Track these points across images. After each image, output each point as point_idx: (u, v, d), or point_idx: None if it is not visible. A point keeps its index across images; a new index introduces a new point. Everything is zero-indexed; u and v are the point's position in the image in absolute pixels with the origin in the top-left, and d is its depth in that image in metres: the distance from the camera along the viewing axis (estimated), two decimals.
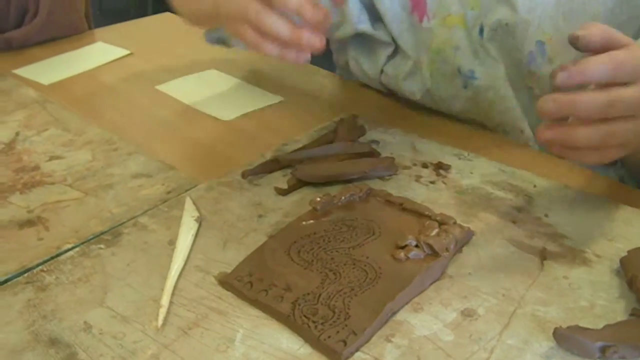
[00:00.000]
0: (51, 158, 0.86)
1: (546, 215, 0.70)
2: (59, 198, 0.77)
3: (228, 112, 0.97)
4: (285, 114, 0.97)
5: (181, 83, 1.09)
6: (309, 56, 0.70)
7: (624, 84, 0.60)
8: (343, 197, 0.71)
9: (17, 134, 0.92)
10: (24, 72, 1.15)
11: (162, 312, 0.58)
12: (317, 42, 0.67)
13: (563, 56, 0.81)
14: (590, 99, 0.60)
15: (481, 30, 0.86)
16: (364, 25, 0.94)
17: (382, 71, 0.97)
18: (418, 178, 0.78)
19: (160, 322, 0.58)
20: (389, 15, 0.92)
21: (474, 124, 0.94)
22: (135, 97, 1.04)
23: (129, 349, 0.55)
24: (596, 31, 0.62)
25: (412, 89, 0.94)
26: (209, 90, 1.06)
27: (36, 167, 0.83)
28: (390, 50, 0.95)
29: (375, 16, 0.94)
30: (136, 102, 1.03)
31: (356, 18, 0.93)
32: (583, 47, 0.62)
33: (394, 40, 0.94)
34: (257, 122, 0.95)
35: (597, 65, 0.60)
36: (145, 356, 0.55)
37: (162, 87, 1.07)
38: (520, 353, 0.54)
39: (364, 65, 0.99)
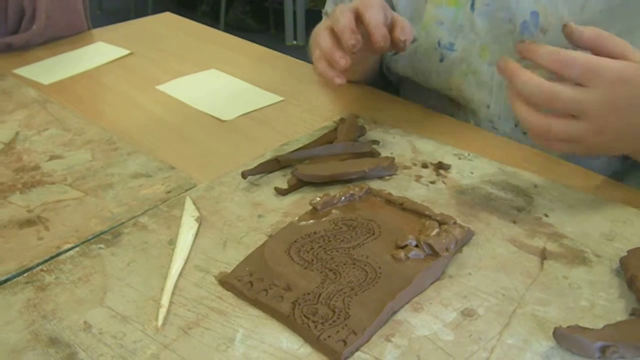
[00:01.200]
0: (51, 158, 0.85)
1: (546, 215, 0.70)
2: (59, 198, 0.77)
3: (228, 112, 0.97)
4: (285, 114, 0.96)
5: (181, 83, 1.09)
6: (343, 80, 0.81)
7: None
8: (343, 197, 0.71)
9: (17, 133, 0.92)
10: (24, 72, 1.15)
11: (162, 311, 0.58)
12: (342, 61, 0.79)
13: (556, 28, 0.81)
14: (529, 78, 0.64)
15: (472, 5, 0.90)
16: None
17: None
18: (418, 178, 0.78)
19: (160, 321, 0.57)
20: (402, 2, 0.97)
21: (449, 102, 0.97)
22: (136, 97, 1.04)
23: (129, 349, 0.55)
24: (590, 30, 0.65)
25: (397, 63, 0.99)
26: (209, 90, 1.05)
27: (36, 167, 0.83)
28: None
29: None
30: (136, 101, 1.03)
31: None
32: (573, 40, 0.65)
33: None
34: (258, 122, 0.94)
35: (544, 52, 0.64)
36: (145, 356, 0.54)
37: (162, 87, 1.07)
38: (520, 353, 0.54)
39: None
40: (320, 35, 0.83)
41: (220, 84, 1.08)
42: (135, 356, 0.54)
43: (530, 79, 0.64)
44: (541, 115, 0.65)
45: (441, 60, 0.95)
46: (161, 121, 0.96)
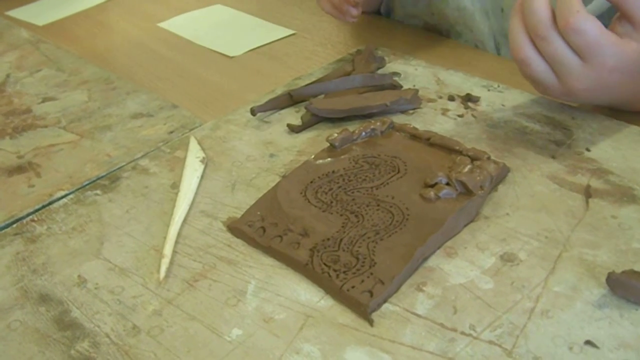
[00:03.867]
0: (44, 100, 0.81)
1: (588, 150, 0.64)
2: (52, 142, 0.72)
3: (235, 48, 0.92)
4: (297, 48, 0.91)
5: (185, 19, 1.05)
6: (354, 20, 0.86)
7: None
8: (363, 132, 0.65)
9: (8, 75, 0.88)
10: (18, 13, 1.11)
11: (165, 262, 0.54)
12: (354, 12, 0.85)
13: None
14: (538, 7, 0.60)
15: None
16: None
17: None
18: (445, 111, 0.72)
19: (162, 274, 0.53)
20: None
21: (429, 28, 0.93)
22: (136, 36, 1.00)
23: (128, 305, 0.51)
24: None
25: None
26: (215, 26, 1.01)
27: (28, 110, 0.79)
28: None
29: None
30: (137, 40, 0.98)
31: None
32: None
33: None
34: (267, 57, 0.90)
35: (560, 2, 0.60)
36: (147, 312, 0.50)
37: (165, 24, 1.03)
38: (570, 301, 0.48)
39: None
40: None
41: (226, 19, 1.04)
42: (135, 313, 0.50)
43: (539, 9, 0.61)
44: (529, 47, 0.63)
45: None
46: (163, 59, 0.92)
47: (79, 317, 0.50)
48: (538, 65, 0.63)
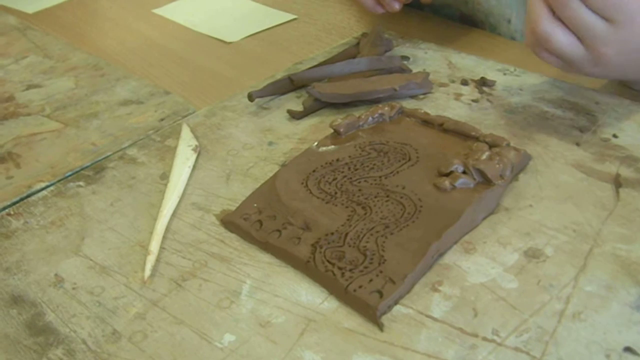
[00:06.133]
0: (28, 87, 0.78)
1: (615, 136, 0.60)
2: (34, 130, 0.69)
3: (233, 33, 0.89)
4: (298, 33, 0.88)
5: (180, 5, 1.02)
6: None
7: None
8: (370, 118, 0.62)
9: None
10: (7, 1, 1.08)
11: (151, 260, 0.50)
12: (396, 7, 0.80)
13: None
14: None
15: None
16: None
17: None
18: (458, 96, 0.68)
19: (147, 272, 0.50)
20: None
21: (462, 19, 0.88)
22: (130, 22, 0.97)
23: (108, 307, 0.47)
24: None
25: None
26: (212, 12, 0.98)
27: (10, 98, 0.76)
28: None
29: None
30: (130, 27, 0.96)
31: None
32: None
33: None
34: (267, 43, 0.86)
35: None
36: (129, 316, 0.46)
37: (160, 11, 1.00)
38: (604, 302, 0.44)
39: None
40: None
41: (223, 4, 1.01)
42: (116, 316, 0.46)
43: None
44: (550, 22, 0.58)
45: None
46: (157, 46, 0.89)
47: (53, 320, 0.46)
48: (561, 36, 0.58)
